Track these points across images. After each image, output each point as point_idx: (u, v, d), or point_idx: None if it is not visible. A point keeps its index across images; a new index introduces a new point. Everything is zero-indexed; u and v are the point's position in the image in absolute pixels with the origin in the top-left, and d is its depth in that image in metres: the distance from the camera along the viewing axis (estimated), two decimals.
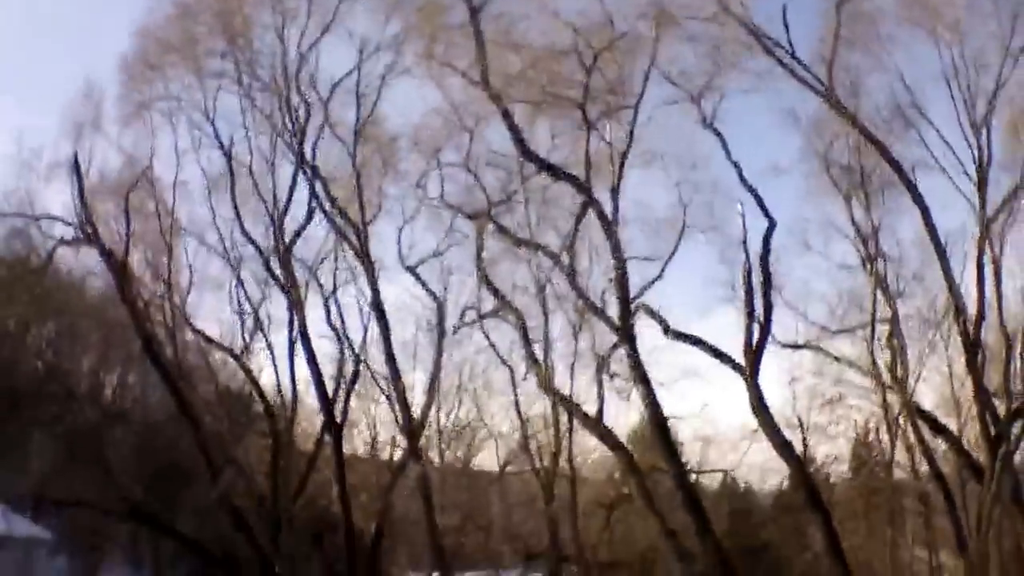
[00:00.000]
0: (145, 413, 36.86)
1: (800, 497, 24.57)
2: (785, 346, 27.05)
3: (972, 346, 23.23)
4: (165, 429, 33.39)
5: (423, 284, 28.66)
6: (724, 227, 25.39)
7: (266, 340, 29.26)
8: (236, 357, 30.56)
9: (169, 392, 28.62)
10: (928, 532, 30.13)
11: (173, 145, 28.62)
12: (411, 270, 28.55)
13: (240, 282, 29.22)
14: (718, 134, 24.46)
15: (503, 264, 27.48)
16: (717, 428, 29.41)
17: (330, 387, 28.37)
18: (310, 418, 31.98)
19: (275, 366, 29.63)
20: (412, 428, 26.23)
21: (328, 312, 28.37)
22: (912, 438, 25.56)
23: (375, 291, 26.31)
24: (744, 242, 24.15)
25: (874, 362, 25.52)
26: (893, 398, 25.51)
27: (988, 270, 23.30)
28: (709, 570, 22.20)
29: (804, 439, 30.02)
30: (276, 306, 29.60)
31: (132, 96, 27.99)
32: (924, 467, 27.09)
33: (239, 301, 29.98)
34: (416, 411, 27.56)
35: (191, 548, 31.42)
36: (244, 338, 30.37)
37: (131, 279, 27.89)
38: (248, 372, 30.70)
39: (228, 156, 28.64)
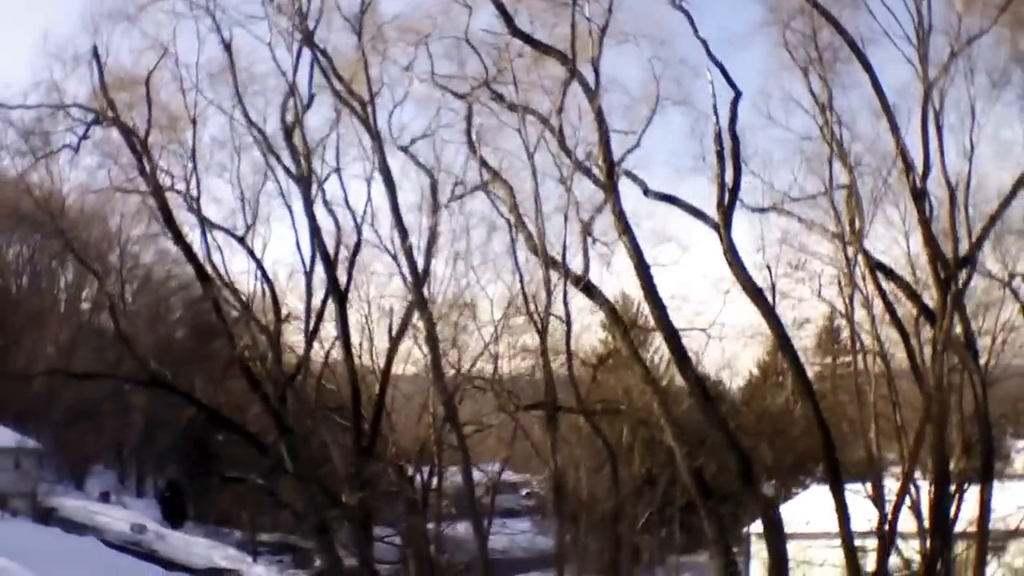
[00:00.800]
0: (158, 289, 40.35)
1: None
2: (753, 210, 30.13)
3: (920, 197, 26.62)
4: (177, 306, 36.79)
5: (416, 161, 31.40)
6: (694, 100, 28.38)
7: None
8: (240, 240, 33.53)
9: (192, 265, 31.76)
10: (892, 392, 33.38)
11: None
12: (404, 149, 31.45)
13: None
14: (685, 12, 27.23)
15: (492, 139, 30.67)
16: (692, 291, 32.53)
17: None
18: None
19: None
20: (417, 278, 29.38)
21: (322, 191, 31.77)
22: (871, 289, 28.88)
23: (382, 156, 29.17)
24: (714, 108, 27.23)
25: (838, 220, 28.73)
26: (852, 254, 28.78)
27: (931, 128, 26.71)
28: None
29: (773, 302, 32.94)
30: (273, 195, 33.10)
31: None
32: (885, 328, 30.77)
33: (241, 187, 33.12)
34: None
35: (207, 412, 34.69)
36: (246, 221, 33.61)
37: (153, 159, 30.66)
38: (251, 252, 33.66)
39: (228, 47, 31.42)
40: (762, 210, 29.98)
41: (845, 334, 35.06)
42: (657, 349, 37.53)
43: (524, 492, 63.23)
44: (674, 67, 28.05)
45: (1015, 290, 30.94)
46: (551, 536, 38.54)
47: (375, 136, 29.05)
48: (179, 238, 32.08)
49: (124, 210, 40.38)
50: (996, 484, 30.40)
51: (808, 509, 35.35)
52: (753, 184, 29.35)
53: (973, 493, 28.67)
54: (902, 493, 27.44)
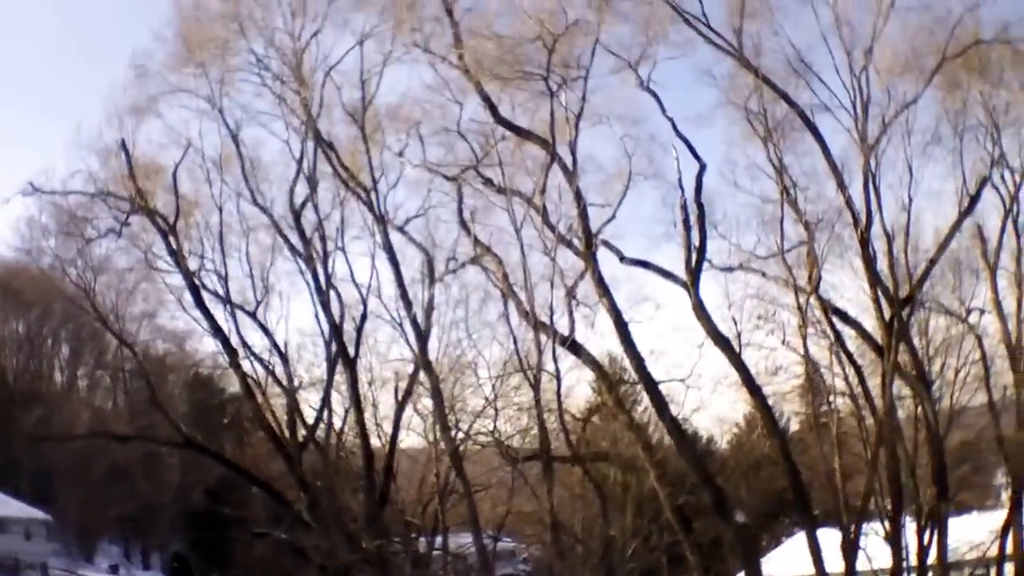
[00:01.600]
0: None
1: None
2: (721, 269, 34.09)
3: (864, 245, 30.66)
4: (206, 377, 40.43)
5: (412, 240, 35.19)
6: (664, 173, 32.31)
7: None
8: (251, 315, 37.30)
9: (217, 339, 35.65)
10: (861, 431, 36.90)
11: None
12: (400, 229, 35.35)
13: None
14: (653, 94, 31.40)
15: (482, 216, 34.56)
16: (670, 345, 36.26)
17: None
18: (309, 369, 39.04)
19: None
20: (422, 342, 33.11)
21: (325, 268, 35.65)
22: (828, 331, 32.76)
23: (386, 237, 32.99)
24: (679, 181, 31.35)
25: (790, 273, 32.65)
26: (803, 302, 32.69)
27: (871, 186, 30.89)
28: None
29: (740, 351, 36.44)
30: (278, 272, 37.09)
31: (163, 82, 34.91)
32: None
33: (250, 265, 37.02)
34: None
35: (236, 470, 38.24)
36: (256, 297, 37.47)
37: (181, 244, 34.53)
38: (263, 327, 37.43)
39: (235, 138, 35.57)
40: (729, 269, 33.93)
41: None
42: (642, 401, 41.25)
43: (522, 558, 64.32)
44: (645, 143, 32.14)
45: (971, 324, 35.19)
46: None
47: (379, 219, 32.92)
48: (208, 315, 35.86)
49: (121, 288, 43.95)
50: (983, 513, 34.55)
51: (793, 554, 38.80)
52: (720, 246, 33.47)
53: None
54: (856, 531, 31.05)
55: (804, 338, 31.55)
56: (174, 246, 34.89)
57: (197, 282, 35.31)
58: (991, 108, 33.63)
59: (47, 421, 76.37)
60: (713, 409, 36.90)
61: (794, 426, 41.22)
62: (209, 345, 43.38)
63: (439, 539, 36.66)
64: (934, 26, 31.77)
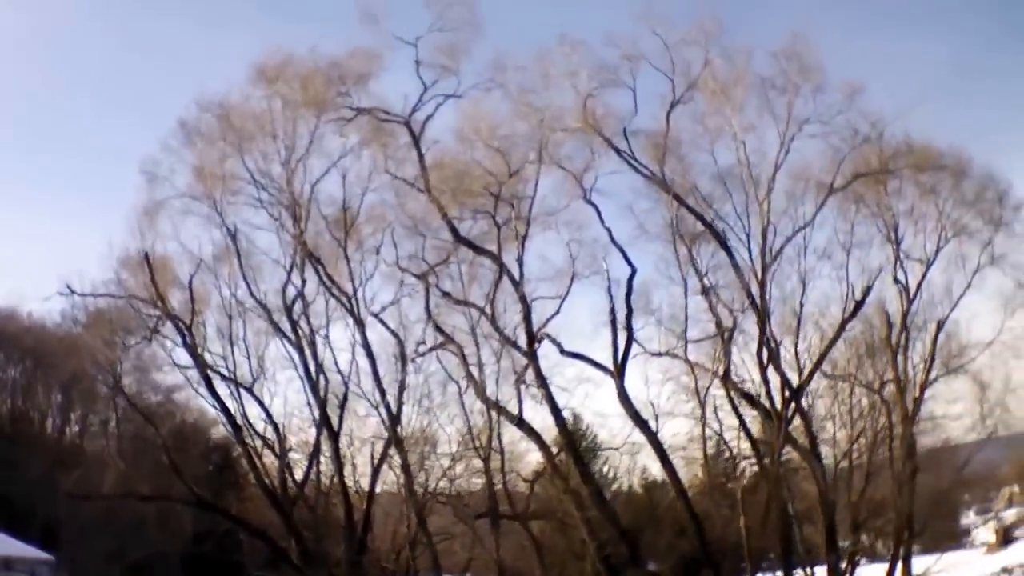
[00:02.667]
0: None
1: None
2: (652, 354, 41.76)
3: (762, 339, 38.49)
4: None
5: (386, 326, 42.68)
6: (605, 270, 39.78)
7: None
8: (248, 389, 44.87)
9: (223, 415, 43.47)
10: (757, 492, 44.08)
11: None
12: (376, 316, 43.02)
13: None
14: (594, 206, 39.10)
15: (445, 311, 42.34)
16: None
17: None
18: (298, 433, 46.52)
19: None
20: (393, 420, 40.88)
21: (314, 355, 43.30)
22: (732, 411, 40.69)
23: (364, 336, 40.69)
24: (608, 289, 38.91)
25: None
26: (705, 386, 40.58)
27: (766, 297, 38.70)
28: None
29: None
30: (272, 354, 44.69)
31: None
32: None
33: (247, 347, 44.68)
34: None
35: (243, 526, 45.68)
36: (252, 374, 45.10)
37: (197, 342, 42.41)
38: (259, 401, 44.92)
39: (233, 238, 43.05)
40: (659, 354, 41.58)
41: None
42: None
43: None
44: (589, 245, 39.60)
45: (884, 399, 42.91)
46: None
47: (358, 322, 40.67)
48: (219, 400, 43.35)
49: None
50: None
51: None
52: (656, 330, 41.17)
53: None
54: None
55: (703, 418, 39.71)
56: (191, 343, 42.36)
57: (210, 374, 42.94)
58: (888, 216, 41.77)
59: (47, 467, 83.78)
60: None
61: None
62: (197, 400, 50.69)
63: None
64: (834, 152, 39.67)
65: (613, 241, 39.34)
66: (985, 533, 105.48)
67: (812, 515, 41.70)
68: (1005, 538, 73.86)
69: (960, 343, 43.33)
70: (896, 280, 42.10)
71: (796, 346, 39.99)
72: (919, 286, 42.15)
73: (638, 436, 40.22)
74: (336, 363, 43.09)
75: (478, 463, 42.65)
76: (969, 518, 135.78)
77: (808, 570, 40.09)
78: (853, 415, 44.80)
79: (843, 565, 40.04)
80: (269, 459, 45.04)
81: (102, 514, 72.01)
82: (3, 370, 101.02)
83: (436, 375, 43.97)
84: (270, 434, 44.30)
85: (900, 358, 42.66)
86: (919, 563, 44.38)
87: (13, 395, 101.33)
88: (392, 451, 41.12)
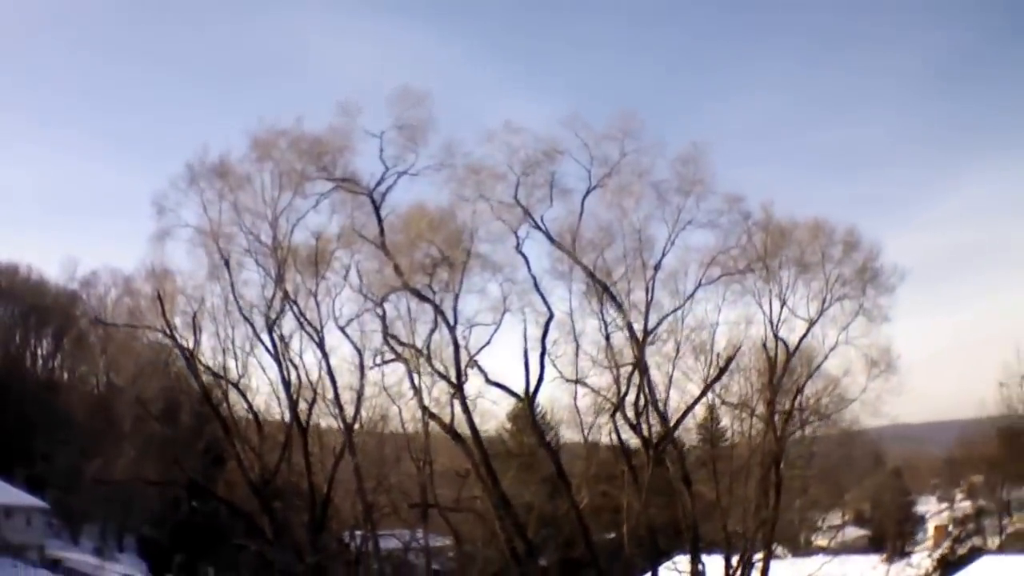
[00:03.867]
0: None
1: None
2: (567, 380, 53.40)
3: (640, 391, 50.59)
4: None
5: (349, 339, 54.20)
6: (534, 307, 51.00)
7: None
8: (235, 385, 56.78)
9: (219, 423, 55.57)
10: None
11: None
12: (342, 329, 54.39)
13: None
14: (523, 255, 50.80)
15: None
16: None
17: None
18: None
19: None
20: (348, 428, 53.22)
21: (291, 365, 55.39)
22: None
23: (328, 364, 53.25)
24: (524, 332, 50.73)
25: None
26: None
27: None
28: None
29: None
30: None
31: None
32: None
33: (235, 353, 56.62)
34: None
35: (229, 507, 58.31)
36: (238, 372, 56.95)
37: (197, 363, 54.89)
38: (244, 396, 56.82)
39: (227, 264, 54.40)
40: (575, 381, 52.78)
41: None
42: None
43: (450, 555, 78.20)
44: (520, 283, 50.98)
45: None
46: None
47: (324, 355, 53.07)
48: (215, 409, 55.79)
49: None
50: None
51: None
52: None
53: None
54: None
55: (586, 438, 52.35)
56: (194, 364, 54.82)
57: (208, 388, 55.43)
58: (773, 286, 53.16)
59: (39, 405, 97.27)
60: None
61: None
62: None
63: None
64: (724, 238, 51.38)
65: (536, 288, 51.31)
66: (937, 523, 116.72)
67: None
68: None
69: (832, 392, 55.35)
70: (777, 337, 53.48)
71: (667, 399, 52.54)
72: (799, 342, 53.83)
73: None
74: (308, 377, 55.35)
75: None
76: (929, 504, 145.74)
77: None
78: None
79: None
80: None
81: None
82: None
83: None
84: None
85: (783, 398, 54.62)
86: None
87: (7, 341, 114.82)
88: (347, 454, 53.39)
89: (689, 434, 60.73)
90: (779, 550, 79.53)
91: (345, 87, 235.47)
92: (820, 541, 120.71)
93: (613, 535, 59.71)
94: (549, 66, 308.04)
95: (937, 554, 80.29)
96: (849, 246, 53.63)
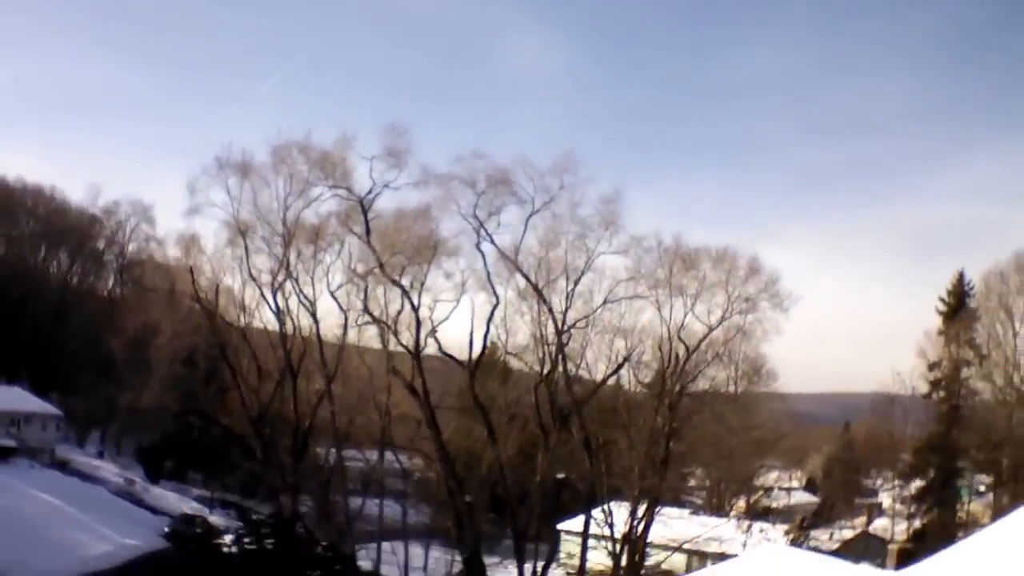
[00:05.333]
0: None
1: None
2: (507, 353, 71.20)
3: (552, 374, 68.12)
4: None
5: (337, 303, 72.35)
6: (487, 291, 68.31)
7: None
8: (242, 333, 74.39)
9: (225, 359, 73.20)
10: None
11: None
12: (332, 295, 72.19)
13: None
14: (481, 252, 67.66)
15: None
16: None
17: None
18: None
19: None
20: (328, 381, 70.55)
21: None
22: None
23: (316, 323, 70.86)
24: (472, 318, 68.41)
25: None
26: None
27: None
28: None
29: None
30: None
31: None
32: None
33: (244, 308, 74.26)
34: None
35: (229, 432, 76.07)
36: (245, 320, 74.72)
37: (219, 316, 72.01)
38: (249, 344, 74.46)
39: (243, 235, 72.11)
40: (509, 354, 70.99)
41: None
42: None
43: (415, 476, 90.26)
44: (478, 271, 68.18)
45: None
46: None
47: (315, 320, 70.28)
48: (232, 369, 74.18)
49: None
50: None
51: None
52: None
53: None
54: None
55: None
56: (215, 320, 72.86)
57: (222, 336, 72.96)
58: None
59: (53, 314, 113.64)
60: None
61: None
62: None
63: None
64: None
65: (489, 280, 68.56)
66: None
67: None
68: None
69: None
70: (680, 339, 69.75)
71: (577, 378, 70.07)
72: (698, 344, 69.70)
73: None
74: (300, 333, 72.72)
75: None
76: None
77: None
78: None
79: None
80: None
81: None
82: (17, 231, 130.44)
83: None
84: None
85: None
86: None
87: (27, 257, 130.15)
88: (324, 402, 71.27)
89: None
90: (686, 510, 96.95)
91: None
92: (774, 503, 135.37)
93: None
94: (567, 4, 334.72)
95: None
96: (752, 271, 70.13)
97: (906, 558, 34.58)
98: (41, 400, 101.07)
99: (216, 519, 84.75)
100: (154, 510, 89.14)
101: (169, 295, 76.04)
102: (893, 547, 39.18)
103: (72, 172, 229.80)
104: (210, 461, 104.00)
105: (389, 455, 78.76)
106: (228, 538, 60.15)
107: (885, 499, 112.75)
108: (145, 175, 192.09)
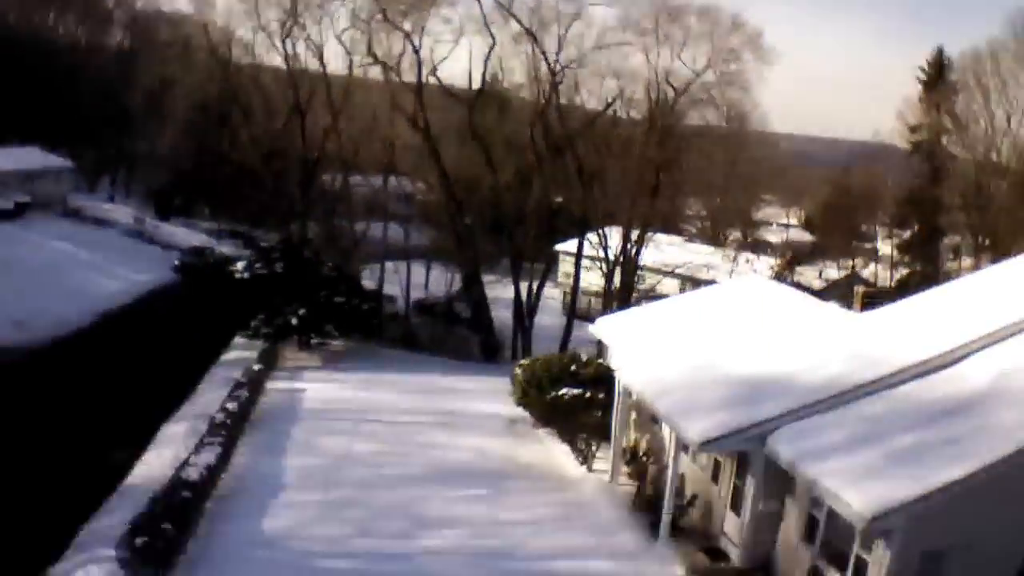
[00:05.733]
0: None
1: None
2: (503, 91, 75.78)
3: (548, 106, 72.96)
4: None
5: (343, 46, 76.95)
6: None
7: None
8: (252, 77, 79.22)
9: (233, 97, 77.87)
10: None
11: None
12: (338, 38, 76.35)
13: None
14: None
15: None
16: None
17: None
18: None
19: None
20: (335, 116, 75.47)
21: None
22: None
23: (323, 65, 75.42)
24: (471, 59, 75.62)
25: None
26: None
27: None
28: None
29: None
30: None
31: None
32: None
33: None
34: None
35: (240, 166, 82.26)
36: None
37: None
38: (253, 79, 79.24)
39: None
40: (506, 91, 75.53)
41: None
42: None
43: (418, 198, 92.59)
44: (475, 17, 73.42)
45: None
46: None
47: (322, 63, 75.55)
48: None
49: None
50: None
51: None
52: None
53: None
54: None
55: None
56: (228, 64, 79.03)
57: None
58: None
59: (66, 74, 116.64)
60: None
61: None
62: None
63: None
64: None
65: (485, 24, 73.04)
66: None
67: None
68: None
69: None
70: (669, 83, 74.53)
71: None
72: (687, 86, 74.63)
73: None
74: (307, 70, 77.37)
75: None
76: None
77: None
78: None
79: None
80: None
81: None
82: None
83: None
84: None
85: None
86: None
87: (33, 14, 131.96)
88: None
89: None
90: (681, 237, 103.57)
91: None
92: (770, 237, 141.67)
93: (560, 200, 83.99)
94: None
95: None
96: (736, 25, 74.96)
97: (871, 302, 37.15)
98: (53, 155, 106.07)
99: (225, 249, 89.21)
100: (165, 246, 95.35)
101: (183, 49, 79.79)
102: (859, 289, 43.83)
103: None
104: (218, 196, 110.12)
105: (393, 181, 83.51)
106: (240, 264, 64.26)
107: (883, 246, 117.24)
108: None
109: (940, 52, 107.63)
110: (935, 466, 21.97)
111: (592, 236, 75.74)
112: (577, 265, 76.92)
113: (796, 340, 32.74)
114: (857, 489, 22.19)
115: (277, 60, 78.58)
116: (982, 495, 21.88)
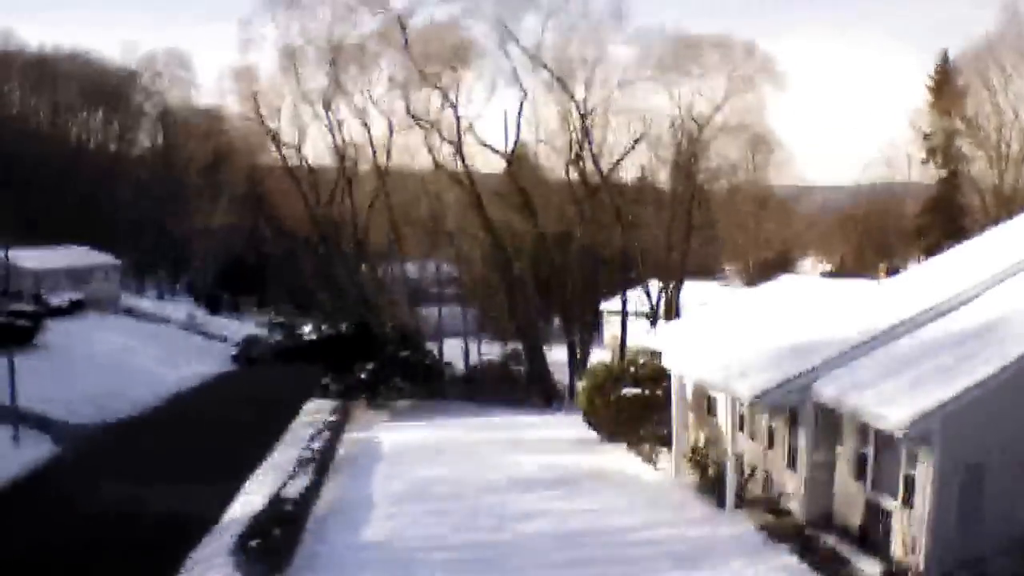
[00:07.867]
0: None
1: None
2: (537, 141, 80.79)
3: (581, 150, 77.57)
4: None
5: (382, 112, 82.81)
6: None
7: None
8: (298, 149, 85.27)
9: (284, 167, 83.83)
10: None
11: None
12: (372, 102, 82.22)
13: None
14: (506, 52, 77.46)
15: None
16: None
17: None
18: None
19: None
20: (381, 177, 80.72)
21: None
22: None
23: (367, 127, 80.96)
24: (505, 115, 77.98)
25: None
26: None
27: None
28: None
29: None
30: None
31: None
32: None
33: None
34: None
35: (291, 240, 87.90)
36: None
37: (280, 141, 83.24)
38: (306, 161, 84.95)
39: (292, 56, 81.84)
40: (540, 142, 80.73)
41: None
42: None
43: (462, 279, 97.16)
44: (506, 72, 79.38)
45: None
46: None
47: (366, 125, 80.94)
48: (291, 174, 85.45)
49: None
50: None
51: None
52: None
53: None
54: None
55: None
56: (277, 140, 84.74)
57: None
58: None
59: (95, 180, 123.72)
60: None
61: None
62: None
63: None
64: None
65: (515, 75, 78.57)
66: None
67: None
68: None
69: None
70: (693, 119, 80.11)
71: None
72: (708, 120, 79.98)
73: None
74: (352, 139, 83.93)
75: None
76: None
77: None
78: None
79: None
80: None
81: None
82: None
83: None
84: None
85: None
86: None
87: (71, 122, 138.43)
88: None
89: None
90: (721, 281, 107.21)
91: None
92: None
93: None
94: None
95: None
96: (748, 53, 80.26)
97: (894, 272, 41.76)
98: (101, 253, 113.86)
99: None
100: (220, 339, 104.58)
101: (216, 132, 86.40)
102: (882, 266, 47.53)
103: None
104: (263, 287, 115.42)
105: (431, 266, 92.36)
106: (307, 328, 68.51)
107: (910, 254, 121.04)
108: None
109: (945, 57, 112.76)
110: (962, 375, 25.02)
111: (632, 293, 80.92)
112: (623, 312, 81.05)
113: (832, 309, 36.56)
114: (895, 404, 25.39)
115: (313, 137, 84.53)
116: (1014, 402, 24.65)
